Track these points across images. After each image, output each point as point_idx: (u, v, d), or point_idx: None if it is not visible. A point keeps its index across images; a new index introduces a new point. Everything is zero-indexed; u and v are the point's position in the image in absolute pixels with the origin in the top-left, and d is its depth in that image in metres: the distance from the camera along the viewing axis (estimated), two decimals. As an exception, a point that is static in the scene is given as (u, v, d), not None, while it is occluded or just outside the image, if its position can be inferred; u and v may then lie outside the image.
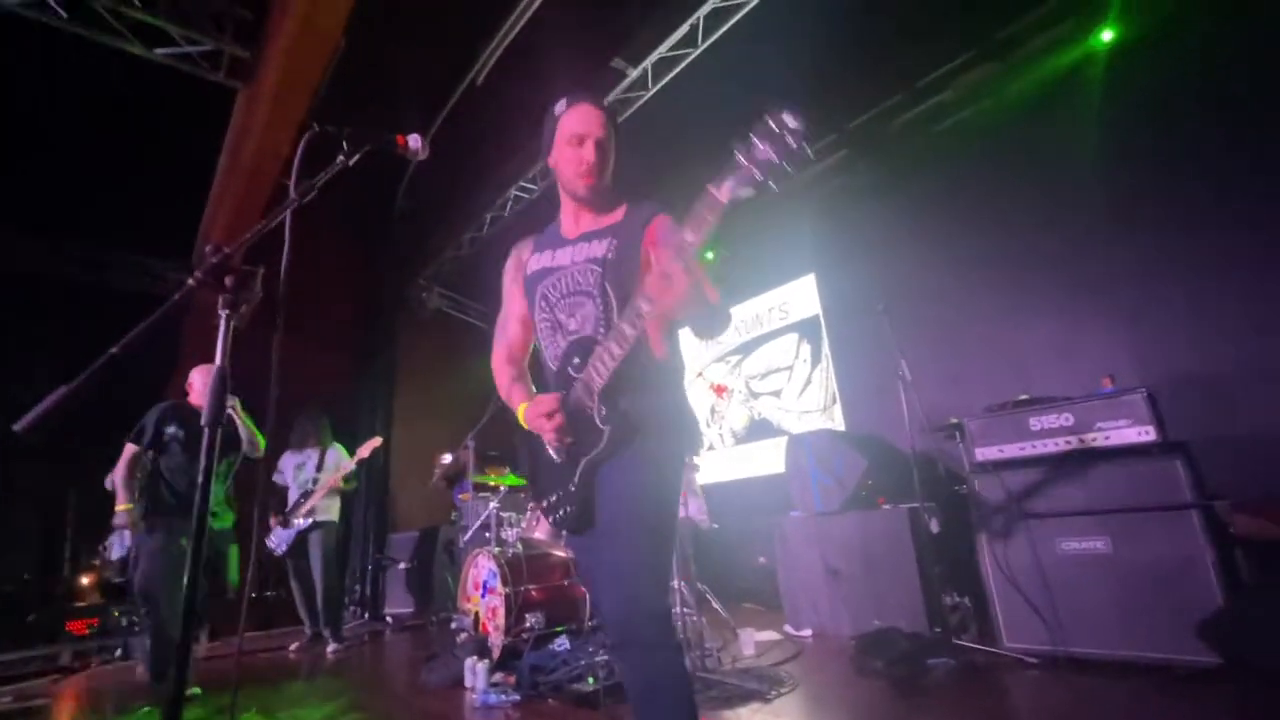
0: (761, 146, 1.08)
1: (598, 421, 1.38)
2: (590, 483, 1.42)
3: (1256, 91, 3.20)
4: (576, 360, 1.44)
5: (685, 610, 2.89)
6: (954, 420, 3.13)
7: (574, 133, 1.49)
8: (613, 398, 1.38)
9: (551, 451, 1.48)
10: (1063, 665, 2.52)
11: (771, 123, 1.07)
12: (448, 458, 5.28)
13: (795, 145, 1.06)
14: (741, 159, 1.10)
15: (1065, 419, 2.73)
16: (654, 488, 1.39)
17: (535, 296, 1.56)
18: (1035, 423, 2.80)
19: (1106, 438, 2.61)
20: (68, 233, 6.29)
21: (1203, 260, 3.36)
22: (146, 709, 2.95)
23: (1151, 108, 3.57)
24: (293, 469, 5.00)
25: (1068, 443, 2.70)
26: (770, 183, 1.10)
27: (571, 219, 1.59)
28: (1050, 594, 2.61)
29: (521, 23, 4.26)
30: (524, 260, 1.64)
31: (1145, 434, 2.52)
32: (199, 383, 3.56)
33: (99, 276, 6.56)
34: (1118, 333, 3.62)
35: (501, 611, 3.34)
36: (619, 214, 1.55)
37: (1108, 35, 3.73)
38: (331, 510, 4.88)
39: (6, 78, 4.72)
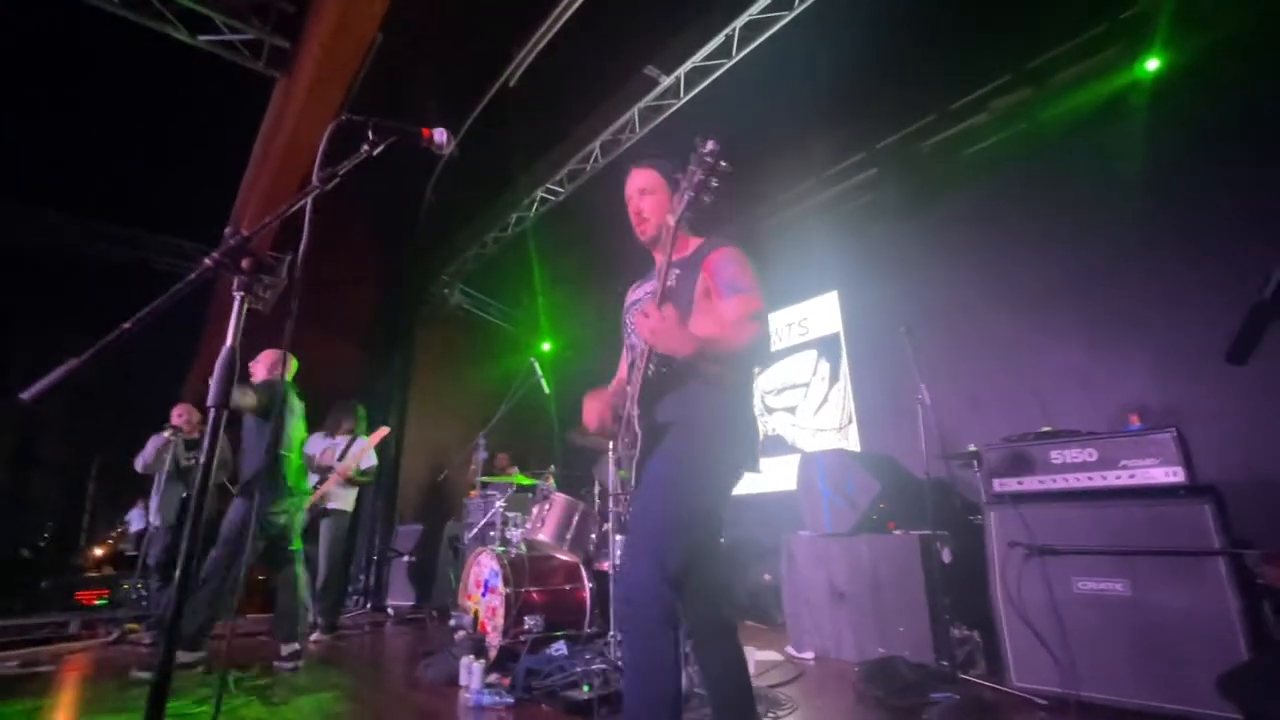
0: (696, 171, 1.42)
1: (635, 425, 1.61)
2: (640, 479, 1.61)
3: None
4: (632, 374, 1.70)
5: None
6: (972, 448, 3.06)
7: (627, 196, 1.82)
8: (647, 404, 1.62)
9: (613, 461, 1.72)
10: (1073, 709, 2.42)
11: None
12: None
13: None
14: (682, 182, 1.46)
15: (1089, 454, 2.65)
16: (671, 482, 1.51)
17: (625, 324, 1.87)
18: (1057, 456, 2.72)
19: (1131, 476, 2.53)
20: (110, 214, 6.46)
21: (1236, 295, 3.24)
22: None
23: (1189, 138, 3.49)
24: (319, 454, 5.03)
25: (1090, 479, 2.62)
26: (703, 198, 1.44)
27: (656, 259, 1.83)
28: (1064, 634, 2.52)
29: (557, 27, 4.29)
30: (625, 297, 1.94)
31: (1173, 475, 2.43)
32: (262, 368, 3.67)
33: (137, 256, 6.72)
34: (1144, 366, 3.52)
35: (501, 612, 3.32)
36: (689, 249, 1.74)
37: (1153, 64, 3.66)
38: (346, 500, 4.89)
39: (49, 58, 4.85)
